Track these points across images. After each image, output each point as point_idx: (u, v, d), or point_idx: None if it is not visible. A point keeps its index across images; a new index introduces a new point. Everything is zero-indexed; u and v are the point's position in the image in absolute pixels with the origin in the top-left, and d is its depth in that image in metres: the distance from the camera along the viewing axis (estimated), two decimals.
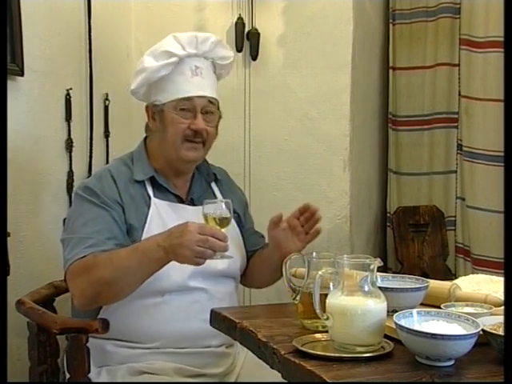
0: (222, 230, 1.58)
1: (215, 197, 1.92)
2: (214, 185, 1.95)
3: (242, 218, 1.97)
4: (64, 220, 2.29)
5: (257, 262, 1.95)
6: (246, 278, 1.99)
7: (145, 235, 1.72)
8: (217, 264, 1.74)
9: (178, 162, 1.82)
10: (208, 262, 1.57)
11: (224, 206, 1.61)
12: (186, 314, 1.72)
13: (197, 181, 1.91)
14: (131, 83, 1.88)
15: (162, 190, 1.82)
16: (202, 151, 1.82)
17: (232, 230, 1.88)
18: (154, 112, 1.84)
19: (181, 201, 1.85)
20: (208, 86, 1.83)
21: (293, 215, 1.76)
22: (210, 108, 1.82)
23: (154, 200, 1.78)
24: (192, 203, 1.86)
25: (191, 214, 1.77)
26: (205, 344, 1.75)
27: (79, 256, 1.64)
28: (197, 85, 1.81)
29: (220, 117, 1.89)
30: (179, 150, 1.79)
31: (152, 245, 1.58)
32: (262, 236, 2.03)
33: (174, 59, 1.80)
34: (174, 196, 1.84)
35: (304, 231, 1.75)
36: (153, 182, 1.82)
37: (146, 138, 1.91)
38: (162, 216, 1.77)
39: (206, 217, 1.60)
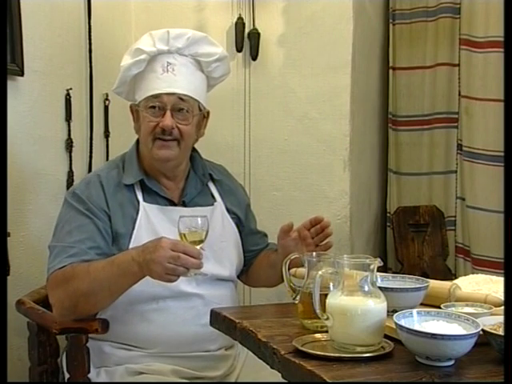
0: (198, 246, 1.55)
1: (212, 197, 1.88)
2: (211, 184, 1.91)
3: (242, 220, 1.94)
4: None
5: (264, 264, 1.92)
6: (251, 278, 1.98)
7: (133, 241, 1.70)
8: (211, 268, 1.73)
9: (153, 161, 1.78)
10: (205, 268, 1.54)
11: (200, 221, 1.57)
12: (182, 319, 1.71)
13: (191, 182, 1.86)
14: None
15: (151, 194, 1.79)
16: (176, 149, 1.76)
17: (230, 232, 1.87)
18: (133, 112, 1.83)
19: (172, 204, 1.81)
20: (180, 83, 1.76)
21: (304, 225, 1.72)
22: (181, 105, 1.74)
23: (142, 204, 1.75)
24: (184, 205, 1.82)
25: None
26: (203, 349, 1.74)
27: (59, 266, 1.64)
28: (166, 81, 1.75)
29: (204, 116, 1.84)
30: (151, 149, 1.75)
31: (127, 259, 1.57)
32: (265, 235, 2.02)
33: (143, 56, 1.76)
34: (164, 199, 1.80)
35: (314, 243, 1.71)
36: (143, 185, 1.79)
37: (138, 141, 1.87)
38: (152, 221, 1.74)
39: (180, 233, 1.56)
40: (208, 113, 1.86)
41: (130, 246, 1.69)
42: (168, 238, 1.54)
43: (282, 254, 1.74)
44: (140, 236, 1.70)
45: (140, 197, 1.77)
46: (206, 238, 1.58)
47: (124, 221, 1.73)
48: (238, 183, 2.06)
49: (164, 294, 1.68)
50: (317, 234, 1.72)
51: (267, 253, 1.95)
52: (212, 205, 1.86)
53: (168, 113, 1.73)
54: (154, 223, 1.74)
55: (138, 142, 1.86)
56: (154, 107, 1.74)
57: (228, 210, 1.89)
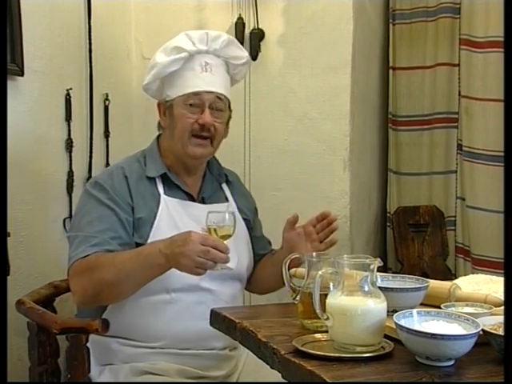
0: (225, 241, 1.58)
1: (225, 198, 1.93)
2: (225, 186, 1.96)
3: (251, 223, 1.98)
4: (64, 220, 2.30)
5: (266, 264, 1.95)
6: (252, 282, 1.98)
7: (153, 232, 1.73)
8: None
9: (185, 157, 1.82)
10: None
11: (227, 216, 1.60)
12: (191, 313, 1.72)
13: (208, 180, 1.91)
14: (144, 79, 1.88)
15: (172, 188, 1.82)
16: (209, 148, 1.82)
17: (242, 233, 1.89)
18: (165, 108, 1.84)
19: (191, 199, 1.85)
20: (217, 83, 1.82)
21: (310, 222, 1.77)
22: (218, 104, 1.81)
23: (163, 197, 1.79)
24: (203, 202, 1.87)
25: (202, 212, 1.75)
26: (208, 346, 1.75)
27: (83, 255, 1.65)
28: (206, 80, 1.80)
29: (230, 116, 1.89)
30: (186, 146, 1.79)
31: (154, 251, 1.59)
32: (269, 242, 2.04)
33: (183, 54, 1.80)
34: (184, 194, 1.84)
35: (318, 239, 1.75)
36: (164, 179, 1.82)
37: (158, 136, 1.91)
38: (172, 214, 1.77)
39: (209, 227, 1.59)
40: (231, 114, 1.90)
41: (151, 235, 1.72)
42: (197, 231, 1.57)
43: (286, 249, 1.79)
44: (160, 227, 1.73)
45: (161, 190, 1.80)
46: (233, 233, 1.62)
47: (146, 211, 1.75)
48: (247, 190, 2.12)
49: (176, 287, 1.70)
50: (322, 229, 1.76)
51: (269, 255, 1.98)
52: (225, 203, 1.90)
53: (207, 110, 1.78)
54: (174, 216, 1.77)
55: (158, 137, 1.90)
56: (192, 104, 1.78)
57: (240, 211, 1.93)
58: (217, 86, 1.81)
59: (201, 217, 1.67)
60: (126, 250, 1.68)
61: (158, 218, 1.75)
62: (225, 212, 1.62)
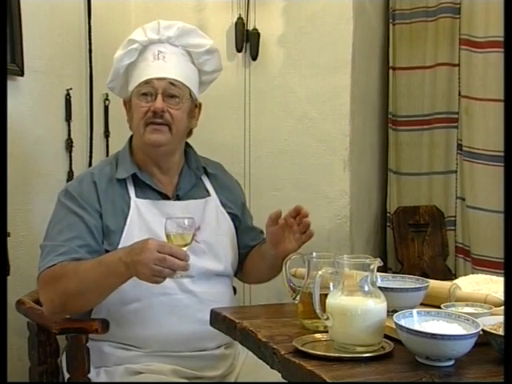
0: (185, 248, 1.54)
1: (206, 191, 1.88)
2: (205, 178, 1.90)
3: (238, 216, 1.94)
4: None
5: (254, 256, 1.93)
6: (243, 272, 1.97)
7: (124, 237, 1.70)
8: (206, 263, 1.74)
9: (146, 148, 1.78)
10: (200, 262, 1.57)
11: (187, 222, 1.55)
12: (178, 317, 1.70)
13: (185, 175, 1.86)
14: None
15: (144, 189, 1.78)
16: (168, 134, 1.75)
17: (225, 225, 1.87)
18: (126, 105, 1.84)
19: (166, 198, 1.81)
20: (171, 69, 1.78)
21: (289, 213, 1.74)
22: (172, 90, 1.75)
23: (134, 200, 1.75)
24: (178, 199, 1.82)
25: (177, 210, 1.75)
26: (201, 347, 1.73)
27: (49, 264, 1.64)
28: (157, 67, 1.77)
29: (196, 106, 1.85)
30: (143, 135, 1.75)
31: (115, 259, 1.57)
32: (262, 232, 2.00)
33: (135, 45, 1.78)
34: (157, 193, 1.80)
35: (299, 231, 1.73)
36: (135, 180, 1.79)
37: (132, 136, 1.88)
38: (143, 216, 1.74)
39: (167, 234, 1.56)
40: (200, 104, 1.87)
41: (121, 241, 1.70)
42: (154, 239, 1.54)
43: (270, 242, 1.78)
44: (131, 231, 1.71)
45: (132, 192, 1.77)
46: (192, 240, 1.58)
47: (115, 217, 1.73)
48: (235, 180, 2.05)
49: (159, 291, 1.67)
50: (300, 222, 1.73)
51: (258, 246, 1.95)
52: (205, 197, 1.87)
53: (159, 97, 1.74)
54: (145, 219, 1.74)
55: (131, 138, 1.88)
56: (145, 94, 1.76)
57: (223, 205, 1.89)
58: (170, 72, 1.77)
59: (176, 215, 1.65)
60: (94, 257, 1.66)
61: (128, 223, 1.72)
62: (184, 218, 1.58)
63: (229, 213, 1.90)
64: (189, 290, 1.72)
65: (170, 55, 1.79)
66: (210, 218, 1.82)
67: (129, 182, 1.78)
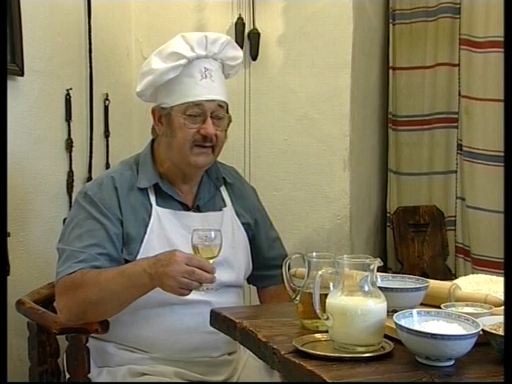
0: (211, 260, 1.55)
1: (223, 202, 1.86)
2: (223, 189, 1.89)
3: (251, 225, 1.91)
4: (64, 220, 2.30)
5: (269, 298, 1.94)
6: (259, 294, 1.98)
7: (144, 246, 1.69)
8: (221, 274, 1.69)
9: (186, 167, 1.76)
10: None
11: (213, 234, 1.56)
12: (187, 326, 1.69)
13: (205, 185, 1.84)
14: (137, 85, 1.80)
15: (165, 198, 1.76)
16: (211, 156, 1.76)
17: (240, 237, 1.85)
18: (161, 115, 1.77)
19: (186, 208, 1.79)
20: (217, 89, 1.75)
21: None
22: (219, 112, 1.74)
23: (155, 209, 1.73)
24: (198, 210, 1.81)
25: (196, 222, 1.74)
26: (206, 355, 1.73)
27: (69, 271, 1.62)
28: (206, 88, 1.73)
29: (230, 120, 1.82)
30: (188, 156, 1.72)
31: (138, 270, 1.56)
32: (283, 247, 1.99)
33: (183, 61, 1.72)
34: (178, 203, 1.78)
35: None
36: (156, 189, 1.76)
37: (153, 141, 1.84)
38: (164, 226, 1.72)
39: (194, 247, 1.56)
40: (231, 118, 1.84)
41: (141, 250, 1.69)
42: (181, 251, 1.54)
43: None
44: (151, 240, 1.70)
45: (153, 201, 1.75)
46: (219, 252, 1.58)
47: (136, 224, 1.71)
48: (250, 186, 2.04)
49: (171, 301, 1.66)
50: None
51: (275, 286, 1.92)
52: (221, 210, 1.85)
53: (209, 120, 1.72)
54: (165, 228, 1.72)
55: (152, 143, 1.83)
56: (193, 114, 1.72)
57: (238, 215, 1.88)
58: (217, 93, 1.75)
59: (195, 227, 1.63)
60: (113, 266, 1.64)
61: (148, 231, 1.71)
62: (211, 230, 1.58)
63: (243, 223, 1.88)
64: (201, 300, 1.70)
65: (215, 72, 1.76)
66: (226, 230, 1.78)
67: (150, 190, 1.76)
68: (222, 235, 1.59)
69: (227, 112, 1.80)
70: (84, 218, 1.69)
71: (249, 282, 1.98)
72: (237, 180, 1.95)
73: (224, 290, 1.77)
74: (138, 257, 1.68)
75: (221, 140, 1.76)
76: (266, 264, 1.92)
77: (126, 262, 1.67)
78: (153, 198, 1.75)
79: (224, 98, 1.77)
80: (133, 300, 1.61)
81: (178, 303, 1.67)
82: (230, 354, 1.79)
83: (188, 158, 1.73)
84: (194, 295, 1.63)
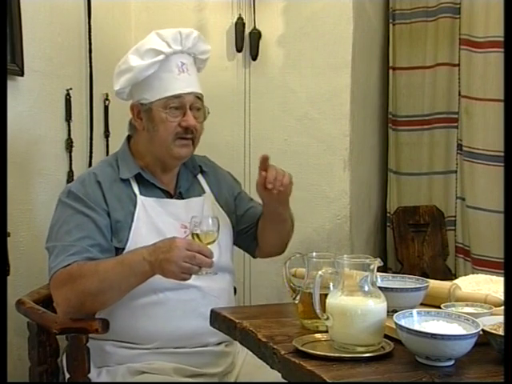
0: (209, 245, 1.60)
1: (202, 189, 1.92)
2: (200, 177, 1.95)
3: (232, 209, 1.95)
4: None
5: (260, 222, 1.95)
6: (259, 246, 1.99)
7: (132, 233, 1.72)
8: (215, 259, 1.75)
9: (168, 159, 1.82)
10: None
11: (210, 221, 1.62)
12: (182, 311, 1.72)
13: (183, 174, 1.90)
14: (114, 84, 1.84)
15: (148, 187, 1.81)
16: (191, 147, 1.82)
17: (223, 222, 1.85)
18: (140, 111, 1.82)
19: (169, 195, 1.85)
20: (194, 83, 1.83)
21: (259, 168, 1.81)
22: (197, 104, 1.81)
23: (140, 198, 1.78)
24: (181, 197, 1.86)
25: (180, 208, 1.80)
26: (203, 342, 1.74)
27: (63, 264, 1.64)
28: (184, 82, 1.80)
29: (208, 112, 1.87)
30: (171, 149, 1.78)
31: (138, 258, 1.59)
32: (260, 204, 2.00)
33: (160, 57, 1.78)
34: (161, 191, 1.83)
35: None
36: (138, 179, 1.81)
37: (128, 138, 1.90)
38: (149, 213, 1.77)
39: (193, 233, 1.61)
40: (208, 109, 1.89)
41: (130, 237, 1.72)
42: (180, 237, 1.60)
43: (264, 205, 1.86)
44: (139, 228, 1.73)
45: (137, 190, 1.80)
46: (217, 237, 1.64)
47: (123, 214, 1.75)
48: (225, 171, 2.07)
49: (163, 286, 1.69)
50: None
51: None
52: (201, 196, 1.90)
53: (189, 112, 1.78)
54: (151, 216, 1.77)
55: (128, 139, 1.90)
56: (173, 107, 1.77)
57: (218, 201, 1.93)
58: (195, 85, 1.82)
59: (179, 213, 1.72)
60: (106, 256, 1.68)
61: (135, 219, 1.74)
62: (208, 217, 1.64)
63: (222, 207, 1.93)
64: (193, 284, 1.73)
65: (189, 66, 1.83)
66: (208, 215, 1.83)
67: (132, 180, 1.81)
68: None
69: (203, 105, 1.85)
70: (70, 214, 1.72)
71: (248, 252, 2.03)
72: (211, 168, 2.00)
73: (215, 275, 1.77)
74: (128, 244, 1.71)
75: (200, 131, 1.83)
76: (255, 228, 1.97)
77: (117, 250, 1.71)
78: (136, 188, 1.80)
79: (200, 90, 1.84)
80: (132, 289, 1.64)
81: (171, 289, 1.70)
82: (227, 345, 1.81)
83: (171, 151, 1.79)
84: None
